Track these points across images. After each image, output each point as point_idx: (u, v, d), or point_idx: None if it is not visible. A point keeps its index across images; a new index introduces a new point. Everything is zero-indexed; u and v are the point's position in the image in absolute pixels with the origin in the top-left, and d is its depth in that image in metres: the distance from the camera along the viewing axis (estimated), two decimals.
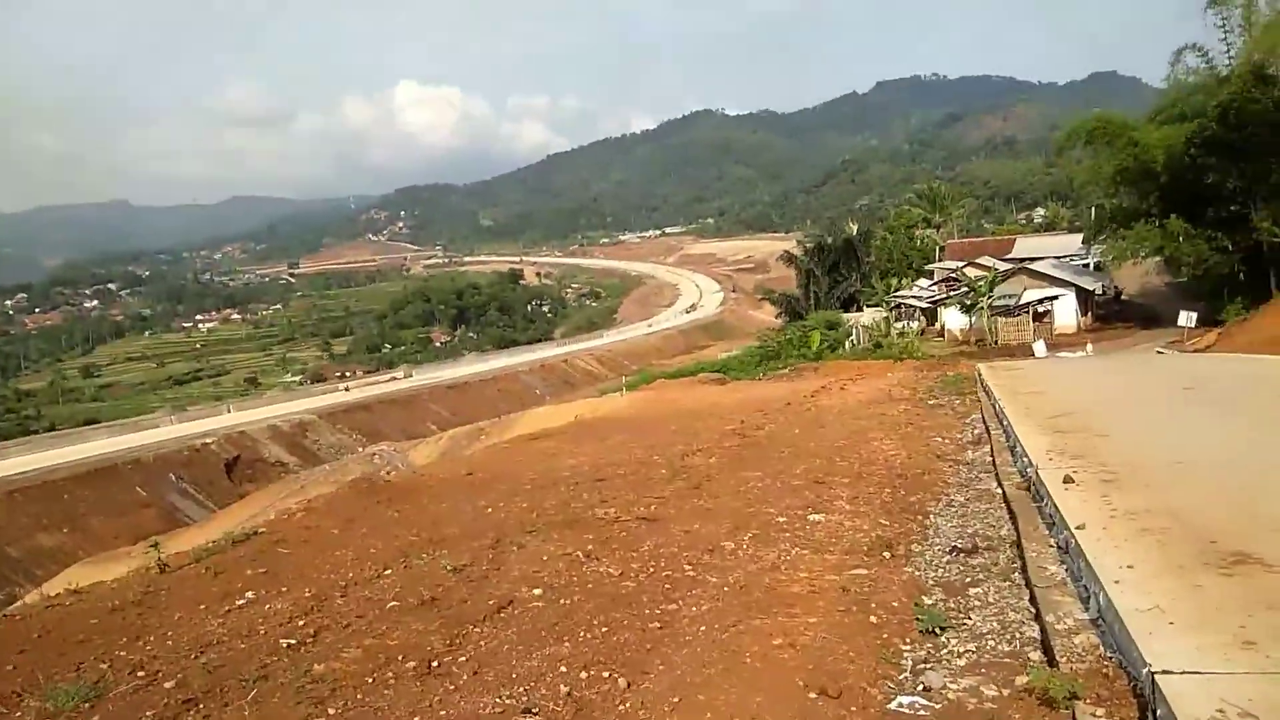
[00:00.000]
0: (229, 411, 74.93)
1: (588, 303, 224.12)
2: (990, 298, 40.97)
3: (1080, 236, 61.04)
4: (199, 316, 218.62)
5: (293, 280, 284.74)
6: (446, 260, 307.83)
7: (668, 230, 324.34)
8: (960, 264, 51.19)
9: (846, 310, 58.01)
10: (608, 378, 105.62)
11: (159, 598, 8.00)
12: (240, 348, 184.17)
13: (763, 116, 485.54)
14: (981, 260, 49.65)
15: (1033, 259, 48.59)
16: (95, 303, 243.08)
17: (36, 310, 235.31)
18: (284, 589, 7.73)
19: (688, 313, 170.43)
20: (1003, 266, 46.09)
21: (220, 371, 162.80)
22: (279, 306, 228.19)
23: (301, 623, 6.66)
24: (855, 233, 72.79)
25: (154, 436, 63.73)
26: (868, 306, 55.96)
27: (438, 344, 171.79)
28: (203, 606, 7.47)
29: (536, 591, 6.88)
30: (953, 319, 43.33)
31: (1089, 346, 34.17)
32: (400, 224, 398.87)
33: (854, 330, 45.66)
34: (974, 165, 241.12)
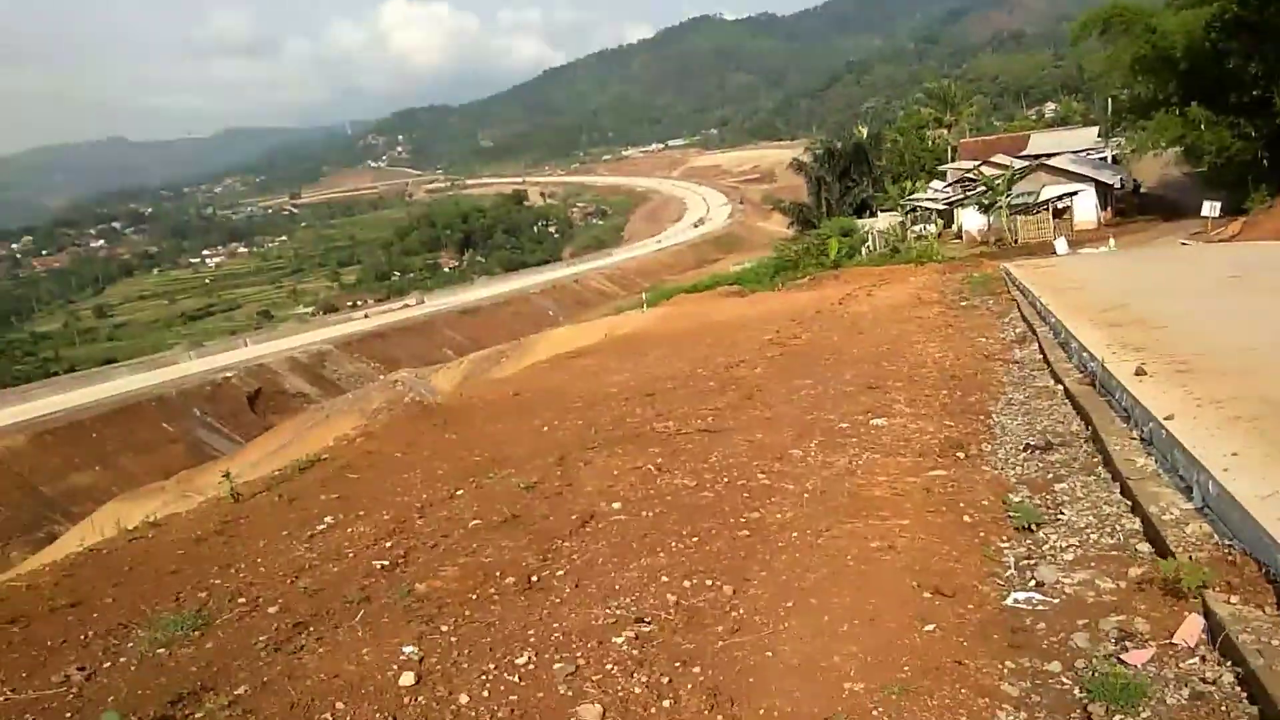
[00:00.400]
0: (246, 345, 75.26)
1: (594, 221, 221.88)
2: (1008, 196, 40.21)
3: (1096, 130, 59.52)
4: (205, 252, 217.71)
5: (295, 211, 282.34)
6: (449, 184, 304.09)
7: (671, 143, 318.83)
8: (975, 164, 50.08)
9: (859, 216, 57.21)
10: (620, 296, 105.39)
11: (239, 526, 8.03)
12: (249, 281, 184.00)
13: (762, 20, 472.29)
14: (996, 159, 48.46)
15: (1050, 155, 47.45)
16: (101, 242, 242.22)
17: (44, 252, 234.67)
18: (361, 512, 7.74)
19: (696, 227, 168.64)
20: (1018, 164, 45.10)
21: (232, 306, 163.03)
22: (284, 238, 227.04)
23: (389, 544, 6.67)
24: (865, 137, 71.20)
25: (175, 373, 64.20)
26: (881, 211, 55.10)
27: (446, 269, 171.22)
28: (285, 533, 7.49)
29: (615, 505, 6.88)
30: (970, 219, 42.63)
31: (1111, 242, 33.65)
32: (399, 148, 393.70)
33: (869, 236, 45.07)
34: (981, 61, 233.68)
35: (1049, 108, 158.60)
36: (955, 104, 73.78)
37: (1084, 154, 50.20)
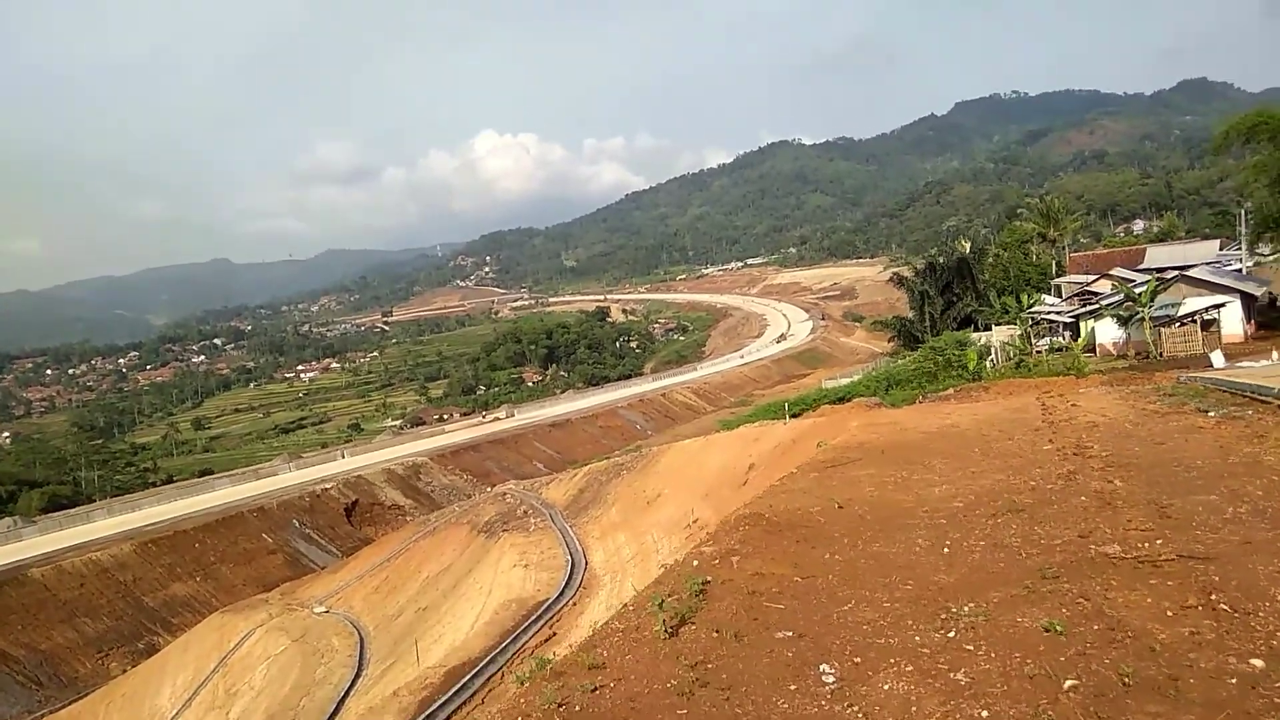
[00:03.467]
0: (343, 457, 75.93)
1: (675, 337, 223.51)
2: (1149, 308, 38.14)
3: (1217, 243, 57.56)
4: (300, 367, 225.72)
5: (387, 329, 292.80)
6: (533, 301, 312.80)
7: (750, 262, 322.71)
8: (1091, 277, 48.41)
9: (961, 330, 55.72)
10: (706, 411, 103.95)
11: (715, 674, 6.83)
12: (341, 395, 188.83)
13: (839, 144, 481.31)
14: (1115, 271, 46.78)
15: (1184, 266, 45.44)
16: (202, 358, 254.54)
17: (148, 367, 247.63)
18: (856, 660, 6.62)
19: (778, 342, 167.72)
20: (1138, 277, 43.14)
21: (323, 419, 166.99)
22: (375, 354, 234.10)
23: (1024, 710, 5.48)
24: (969, 251, 70.22)
25: (275, 484, 64.74)
26: (996, 325, 53.59)
27: (530, 383, 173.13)
28: (793, 688, 6.34)
29: (1257, 663, 5.64)
30: (1105, 332, 40.52)
31: (1275, 354, 31.19)
32: (486, 269, 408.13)
33: (991, 349, 43.43)
34: (1063, 180, 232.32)
35: (1138, 224, 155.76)
36: (1058, 219, 72.67)
37: (1217, 265, 48.13)
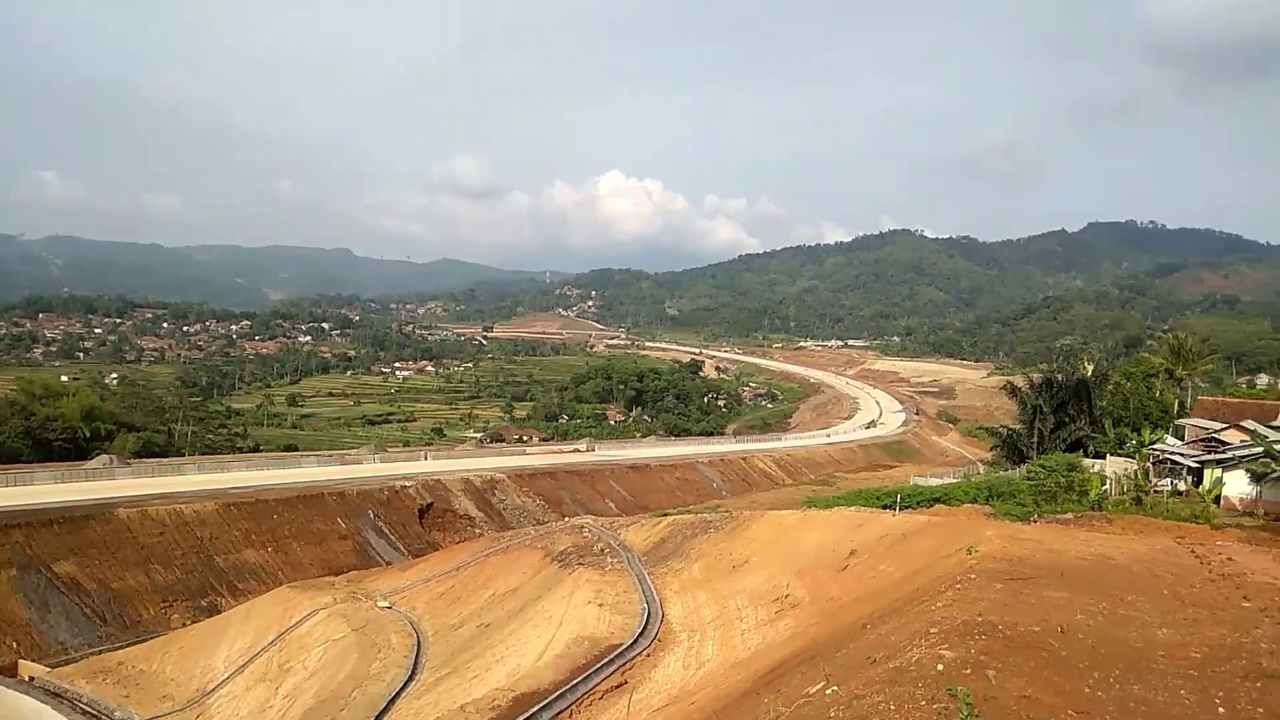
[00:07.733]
0: (425, 459, 77.17)
1: (763, 403, 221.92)
2: None
3: None
4: (397, 364, 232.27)
5: (484, 342, 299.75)
6: (629, 342, 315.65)
7: (851, 343, 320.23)
8: (1221, 425, 45.93)
9: (1069, 454, 53.38)
10: (785, 482, 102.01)
11: None
12: (430, 398, 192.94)
13: (962, 242, 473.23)
14: (1248, 424, 44.22)
15: None
16: (308, 338, 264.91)
17: (256, 337, 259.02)
18: None
19: (867, 428, 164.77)
20: (1272, 434, 40.53)
21: (409, 418, 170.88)
22: (470, 365, 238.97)
23: None
24: (1091, 374, 67.66)
25: (357, 472, 66.03)
26: (1112, 455, 51.16)
27: (613, 421, 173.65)
28: None
29: None
30: (1235, 485, 38.11)
31: None
32: (590, 303, 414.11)
33: (1107, 480, 41.32)
34: (1190, 320, 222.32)
35: (1262, 378, 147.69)
36: (1190, 358, 69.71)
37: None
